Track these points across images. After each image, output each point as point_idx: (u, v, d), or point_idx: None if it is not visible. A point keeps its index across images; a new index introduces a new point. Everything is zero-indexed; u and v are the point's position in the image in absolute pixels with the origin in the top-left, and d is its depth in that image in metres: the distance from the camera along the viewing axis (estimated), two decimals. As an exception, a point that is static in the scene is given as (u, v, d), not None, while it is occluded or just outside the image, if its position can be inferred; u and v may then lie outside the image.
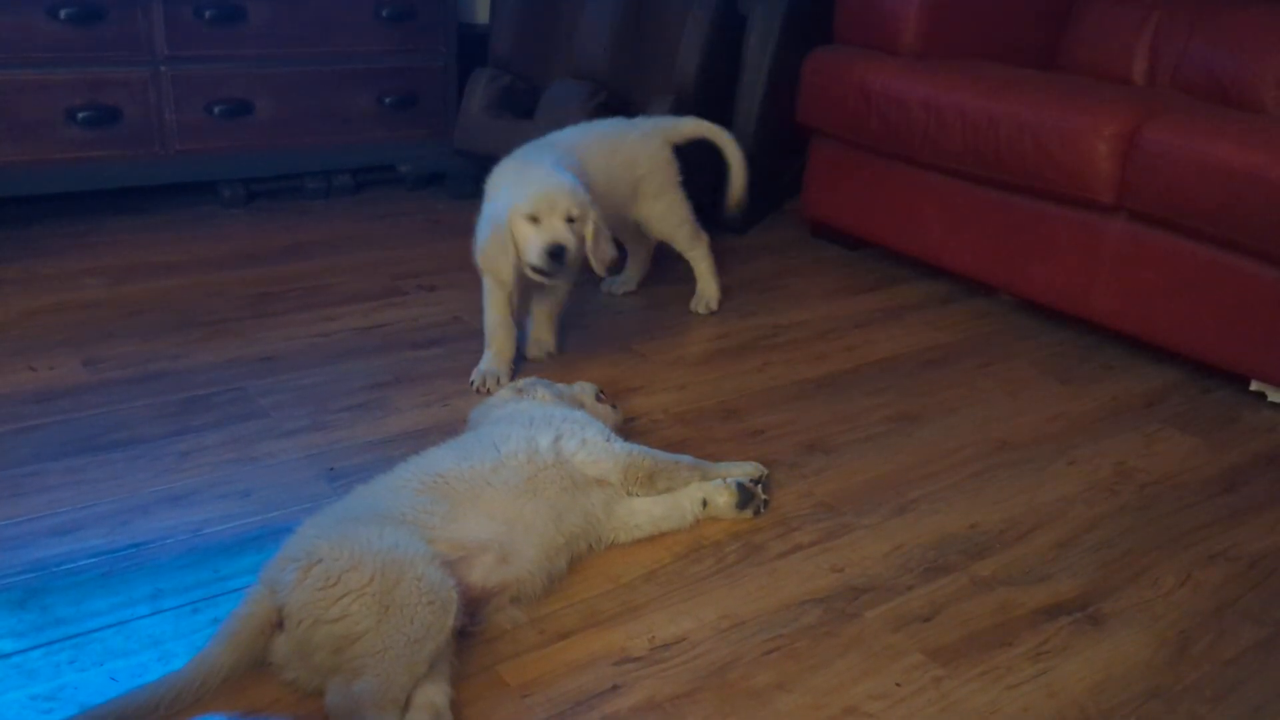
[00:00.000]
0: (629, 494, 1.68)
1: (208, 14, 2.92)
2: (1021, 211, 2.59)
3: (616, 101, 3.03)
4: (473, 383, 2.15)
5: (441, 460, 1.58)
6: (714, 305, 2.63)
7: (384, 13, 3.20)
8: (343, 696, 1.23)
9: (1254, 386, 2.33)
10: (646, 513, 1.68)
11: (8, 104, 2.73)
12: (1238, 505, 1.91)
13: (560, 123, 2.93)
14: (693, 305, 2.64)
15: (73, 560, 1.55)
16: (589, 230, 2.10)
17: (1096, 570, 1.69)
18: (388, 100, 3.29)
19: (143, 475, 1.77)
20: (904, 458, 2.00)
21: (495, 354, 2.19)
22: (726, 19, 3.01)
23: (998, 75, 2.66)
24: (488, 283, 2.18)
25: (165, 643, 1.39)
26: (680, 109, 2.81)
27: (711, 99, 2.81)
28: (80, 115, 2.82)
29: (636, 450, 1.69)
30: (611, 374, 2.27)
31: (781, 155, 3.24)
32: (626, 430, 1.97)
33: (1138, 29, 2.91)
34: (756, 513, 1.76)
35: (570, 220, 2.06)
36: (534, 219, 2.05)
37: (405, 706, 1.26)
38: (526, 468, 1.57)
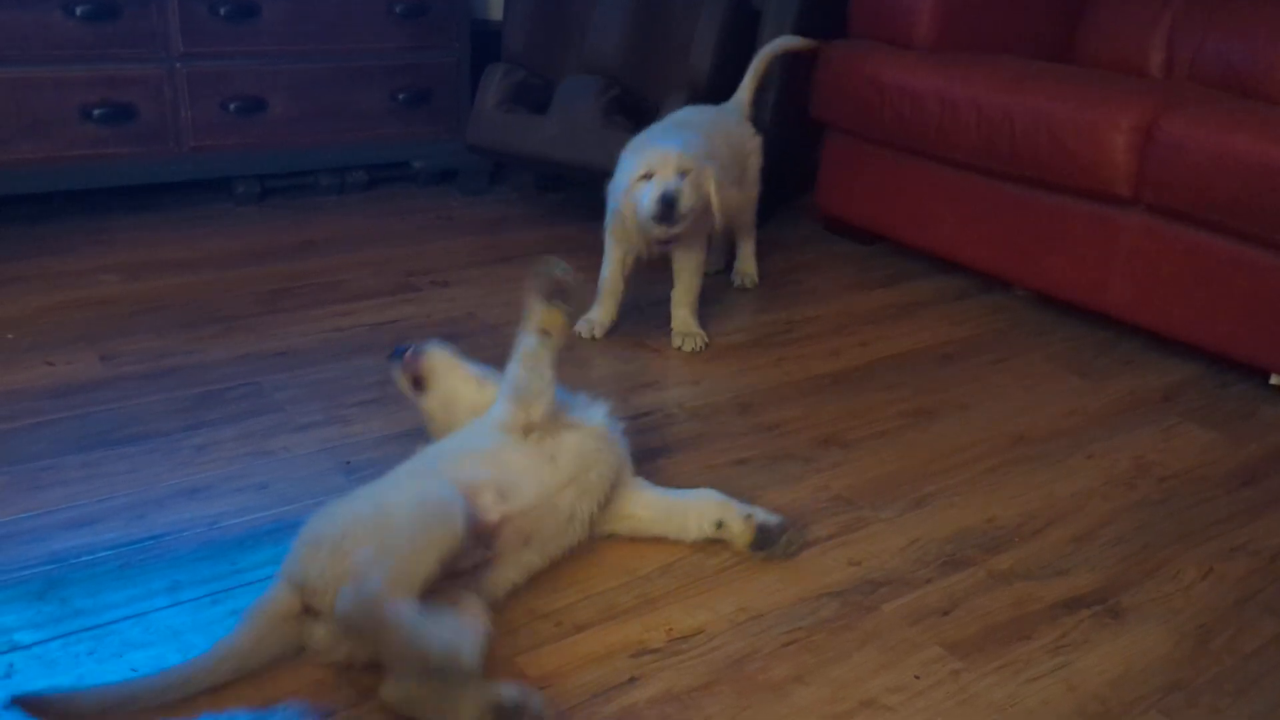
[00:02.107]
0: (534, 426, 1.55)
1: (222, 11, 2.92)
2: (1037, 205, 2.57)
3: (630, 97, 3.03)
4: (578, 330, 2.35)
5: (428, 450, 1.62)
6: (755, 279, 2.75)
7: (397, 9, 3.20)
8: (353, 599, 1.23)
9: (1274, 380, 2.31)
10: (647, 509, 1.65)
11: (23, 101, 2.74)
12: (1258, 499, 1.90)
13: (573, 118, 2.95)
14: (735, 280, 2.76)
15: (90, 552, 1.55)
16: (710, 186, 2.22)
17: (1115, 564, 1.68)
18: (401, 97, 3.29)
19: (159, 469, 1.78)
20: (920, 452, 1.99)
21: (601, 309, 2.40)
22: (740, 13, 3.00)
23: (1013, 68, 2.65)
24: (608, 242, 2.37)
25: (183, 634, 1.40)
26: (694, 103, 2.79)
27: (725, 94, 2.81)
28: (95, 112, 2.83)
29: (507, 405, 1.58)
30: (625, 369, 2.27)
31: (795, 150, 3.22)
32: (638, 426, 1.98)
33: (1154, 21, 2.89)
34: (775, 552, 1.62)
35: (684, 175, 2.16)
36: (647, 177, 2.17)
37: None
38: (494, 432, 1.57)
